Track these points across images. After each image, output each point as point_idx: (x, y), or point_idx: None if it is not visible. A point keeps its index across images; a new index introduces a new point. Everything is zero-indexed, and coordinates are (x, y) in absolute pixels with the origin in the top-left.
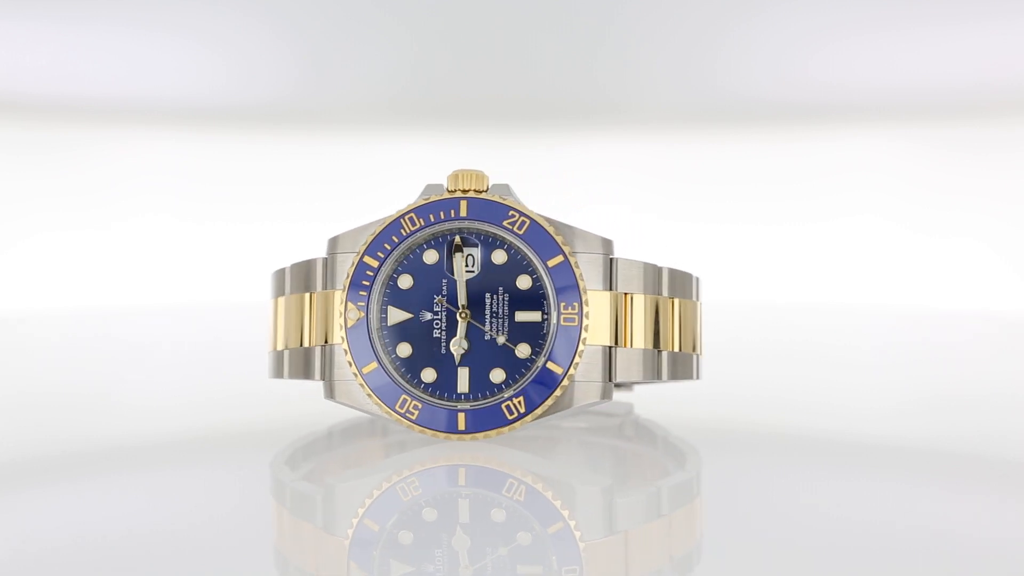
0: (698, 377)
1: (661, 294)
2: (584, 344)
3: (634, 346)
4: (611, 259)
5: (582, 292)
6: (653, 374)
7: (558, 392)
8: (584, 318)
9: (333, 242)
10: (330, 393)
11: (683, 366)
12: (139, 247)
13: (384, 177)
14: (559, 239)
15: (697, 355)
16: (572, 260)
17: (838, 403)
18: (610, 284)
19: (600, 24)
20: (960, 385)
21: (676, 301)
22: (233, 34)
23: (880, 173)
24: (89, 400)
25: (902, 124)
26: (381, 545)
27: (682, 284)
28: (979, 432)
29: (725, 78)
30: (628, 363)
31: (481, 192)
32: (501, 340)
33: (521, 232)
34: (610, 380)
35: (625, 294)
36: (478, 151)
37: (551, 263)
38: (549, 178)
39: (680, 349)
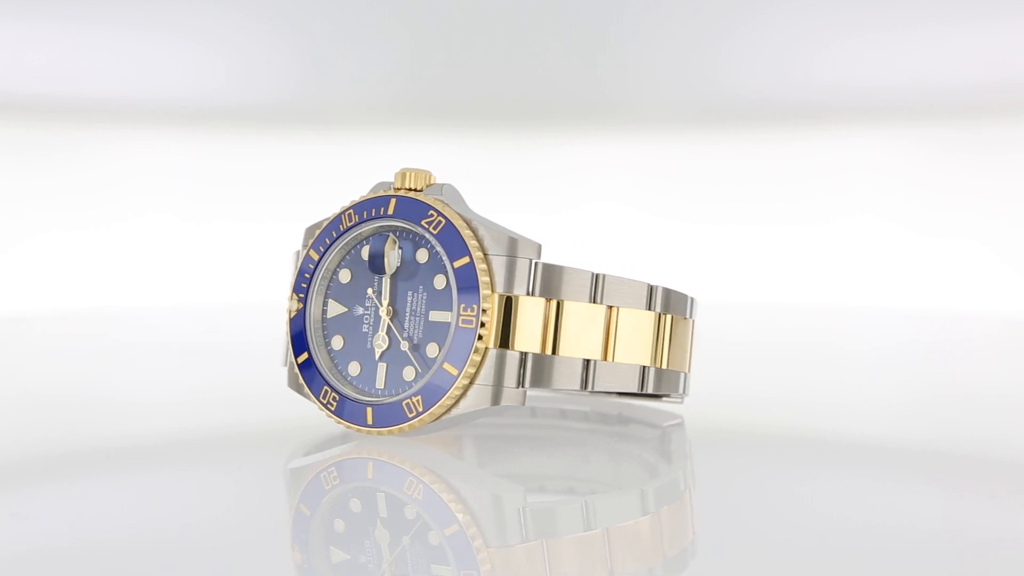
0: (657, 391)
1: (599, 302)
2: (482, 347)
3: (561, 354)
4: (536, 263)
5: (481, 295)
6: (582, 384)
7: (455, 393)
8: (481, 321)
9: (306, 233)
10: (291, 381)
11: (632, 379)
12: (139, 247)
13: (384, 177)
14: (470, 241)
15: (657, 368)
16: (480, 263)
17: (836, 403)
18: (533, 289)
19: (601, 24)
20: (960, 385)
21: (618, 310)
22: (233, 34)
23: (880, 173)
24: (89, 400)
25: (902, 124)
26: (313, 531)
27: (638, 295)
28: (978, 432)
29: (726, 78)
30: (552, 370)
31: (412, 191)
32: (404, 346)
33: (436, 232)
34: (522, 385)
35: (548, 300)
36: (477, 151)
37: (457, 264)
38: (549, 178)
39: (662, 365)
